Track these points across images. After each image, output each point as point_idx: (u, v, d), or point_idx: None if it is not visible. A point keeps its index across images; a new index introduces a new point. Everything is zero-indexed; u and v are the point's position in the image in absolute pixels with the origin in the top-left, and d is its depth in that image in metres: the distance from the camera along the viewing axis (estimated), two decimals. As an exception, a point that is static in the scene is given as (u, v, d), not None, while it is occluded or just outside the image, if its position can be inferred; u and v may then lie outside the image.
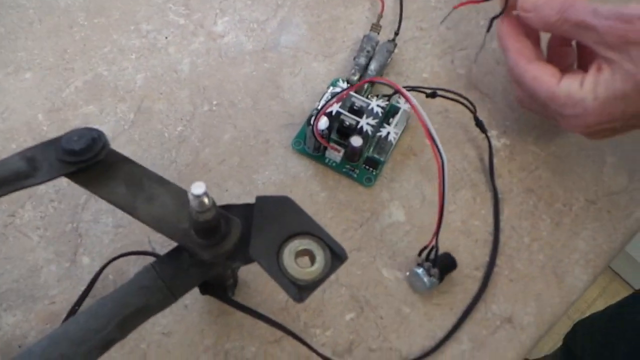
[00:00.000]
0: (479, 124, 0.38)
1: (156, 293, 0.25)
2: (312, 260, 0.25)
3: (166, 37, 0.42)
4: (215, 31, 0.43)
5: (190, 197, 0.22)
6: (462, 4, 0.36)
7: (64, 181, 0.36)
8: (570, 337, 0.68)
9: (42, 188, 0.35)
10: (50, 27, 0.42)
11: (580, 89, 0.30)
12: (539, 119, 0.40)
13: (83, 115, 0.38)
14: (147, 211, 0.25)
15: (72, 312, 0.30)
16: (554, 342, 0.86)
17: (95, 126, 0.38)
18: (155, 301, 0.25)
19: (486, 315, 0.32)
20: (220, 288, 0.29)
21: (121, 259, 0.33)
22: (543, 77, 0.31)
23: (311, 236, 0.26)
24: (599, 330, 0.59)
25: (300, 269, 0.24)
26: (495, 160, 0.38)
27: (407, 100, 0.33)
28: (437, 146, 0.31)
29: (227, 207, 0.27)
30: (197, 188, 0.22)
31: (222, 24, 0.43)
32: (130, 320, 0.25)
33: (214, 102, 0.40)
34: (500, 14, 0.35)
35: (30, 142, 0.37)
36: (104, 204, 0.35)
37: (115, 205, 0.25)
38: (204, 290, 0.29)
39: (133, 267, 0.33)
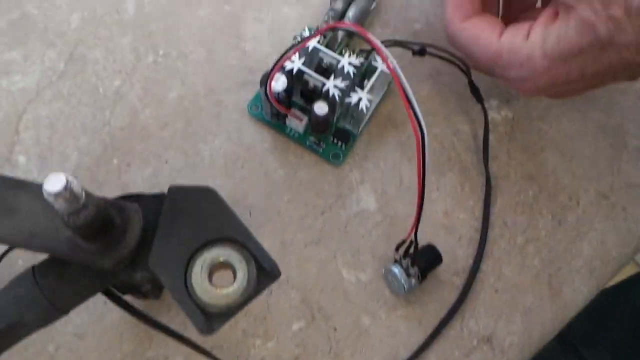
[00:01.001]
0: (474, 90, 0.31)
1: (33, 306, 0.20)
2: (233, 276, 0.20)
3: (109, -32, 0.35)
4: (167, -38, 0.35)
5: (47, 196, 0.16)
6: None
7: None
8: None
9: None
10: (-28, -50, 0.35)
11: (525, 43, 0.24)
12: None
13: (4, 62, 0.32)
14: (10, 228, 0.19)
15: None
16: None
17: (17, 77, 0.32)
18: (32, 316, 0.20)
19: (461, 332, 0.27)
20: (136, 292, 0.24)
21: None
22: (481, 34, 0.25)
23: (234, 244, 0.20)
24: (591, 313, 0.55)
25: (214, 289, 0.19)
26: (491, 138, 0.31)
27: (380, 55, 0.26)
28: (416, 116, 0.24)
29: (134, 198, 0.22)
30: (54, 182, 0.16)
31: (177, -47, 0.36)
32: (3, 336, 0.20)
33: (161, 52, 0.33)
34: None
35: (-60, 94, 0.31)
36: (18, 174, 0.29)
37: None
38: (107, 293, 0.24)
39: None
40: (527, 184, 0.30)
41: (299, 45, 0.27)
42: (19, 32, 0.33)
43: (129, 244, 0.19)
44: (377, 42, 0.25)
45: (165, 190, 0.29)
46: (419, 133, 0.24)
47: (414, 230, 0.26)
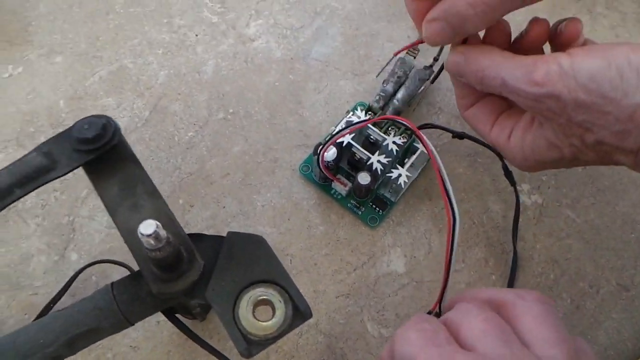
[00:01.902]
0: (508, 174, 0.33)
1: (109, 317, 0.24)
2: (273, 312, 0.23)
3: (196, 35, 0.41)
4: (246, 34, 0.41)
5: (140, 235, 0.21)
6: (401, 50, 0.31)
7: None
8: None
9: (48, 176, 0.35)
10: (88, 11, 0.42)
11: (508, 144, 0.27)
12: (581, 177, 0.35)
13: (101, 106, 0.38)
14: (125, 219, 0.24)
15: (47, 308, 0.30)
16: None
17: (110, 120, 0.38)
18: (107, 324, 0.24)
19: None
20: (187, 313, 0.28)
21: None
22: (477, 125, 0.29)
23: (276, 286, 0.23)
24: None
25: (256, 322, 0.22)
26: (520, 220, 0.33)
27: (423, 143, 0.29)
28: (450, 200, 0.27)
29: (198, 237, 0.25)
30: (147, 227, 0.20)
31: (255, 26, 0.41)
32: (80, 339, 0.24)
33: (230, 110, 0.38)
34: (435, 60, 0.32)
35: (47, 128, 0.37)
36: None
37: (102, 201, 0.25)
38: (165, 312, 0.27)
39: (117, 272, 0.33)
40: (549, 267, 0.32)
41: (353, 126, 0.31)
42: (116, 82, 0.39)
43: (192, 277, 0.23)
44: (420, 132, 0.29)
45: (221, 232, 0.33)
46: (452, 216, 0.26)
47: (438, 304, 0.28)
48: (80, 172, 0.25)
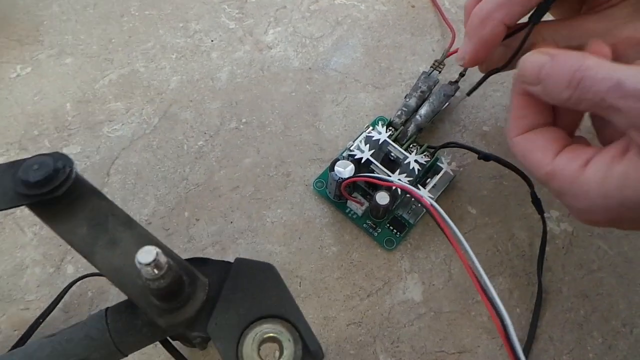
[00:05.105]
0: (535, 201, 0.31)
1: (100, 347, 0.21)
2: (280, 352, 0.21)
3: (212, 40, 0.39)
4: (263, 41, 0.39)
5: (137, 264, 0.18)
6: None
7: (73, 178, 0.33)
8: None
9: (50, 182, 0.33)
10: (102, 13, 0.40)
11: (582, 174, 0.20)
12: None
13: (109, 111, 0.36)
14: (105, 259, 0.21)
15: (36, 323, 0.28)
16: None
17: (117, 125, 0.36)
18: (98, 355, 0.22)
19: None
20: (186, 342, 0.26)
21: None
22: (533, 150, 0.23)
23: (285, 322, 0.21)
24: None
25: (261, 363, 0.20)
26: (547, 249, 0.31)
27: (423, 204, 0.25)
28: (494, 304, 0.21)
29: (202, 261, 0.23)
30: (146, 255, 0.18)
31: (273, 34, 0.39)
32: (67, 371, 0.22)
33: (243, 120, 0.36)
34: (497, 71, 0.28)
35: (51, 131, 0.35)
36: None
37: (72, 247, 0.21)
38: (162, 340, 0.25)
39: (115, 288, 0.30)
40: (579, 302, 0.29)
41: (357, 177, 0.28)
42: (126, 86, 0.37)
43: (192, 308, 0.20)
44: (417, 193, 0.26)
45: (227, 249, 0.31)
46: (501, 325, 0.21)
47: None
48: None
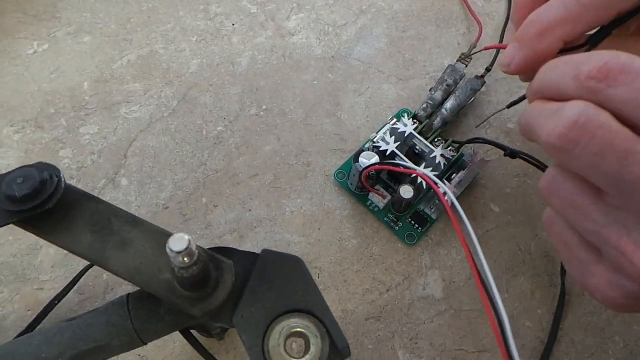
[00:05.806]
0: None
1: (121, 334, 0.21)
2: (306, 348, 0.20)
3: (233, 24, 0.38)
4: (285, 27, 0.38)
5: (169, 252, 0.18)
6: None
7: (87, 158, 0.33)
8: None
9: (65, 161, 0.33)
10: (121, -9, 0.39)
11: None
12: None
13: (127, 92, 0.35)
14: (120, 261, 0.20)
15: (51, 305, 0.28)
16: None
17: (135, 107, 0.35)
18: (118, 342, 0.21)
19: None
20: (204, 331, 0.25)
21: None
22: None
23: (312, 317, 0.20)
24: None
25: (288, 357, 0.19)
26: (571, 250, 0.30)
27: (442, 200, 0.25)
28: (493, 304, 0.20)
29: (227, 251, 0.23)
30: (178, 242, 0.17)
31: (296, 20, 0.38)
32: (85, 356, 0.21)
33: (263, 107, 0.35)
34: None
35: (68, 110, 0.34)
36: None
37: (80, 256, 0.20)
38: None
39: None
40: (601, 306, 0.29)
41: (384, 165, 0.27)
42: (145, 67, 0.36)
43: (219, 298, 0.20)
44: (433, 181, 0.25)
45: (245, 237, 0.30)
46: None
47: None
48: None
